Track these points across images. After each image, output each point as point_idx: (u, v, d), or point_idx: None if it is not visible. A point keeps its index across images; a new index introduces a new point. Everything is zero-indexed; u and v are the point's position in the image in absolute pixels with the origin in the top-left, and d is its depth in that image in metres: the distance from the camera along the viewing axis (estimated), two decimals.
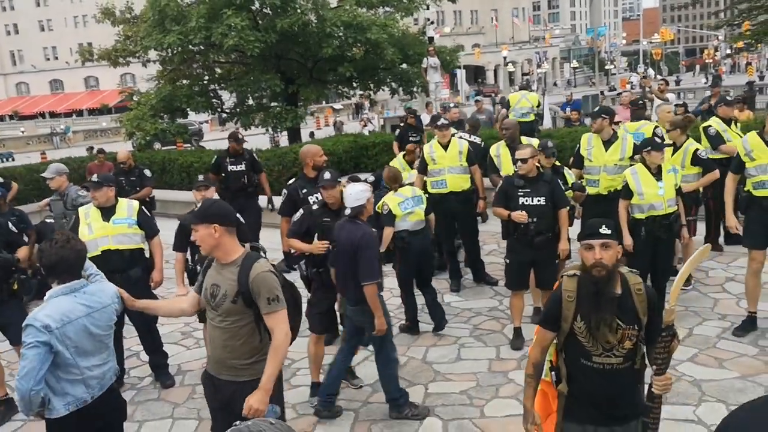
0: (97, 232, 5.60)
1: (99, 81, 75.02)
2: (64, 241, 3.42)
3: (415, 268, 6.78)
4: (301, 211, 5.63)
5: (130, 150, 14.16)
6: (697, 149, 7.26)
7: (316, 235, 5.37)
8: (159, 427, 5.38)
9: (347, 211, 5.03)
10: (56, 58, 79.45)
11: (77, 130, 49.88)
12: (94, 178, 5.93)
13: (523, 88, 13.28)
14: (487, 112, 17.86)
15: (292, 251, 6.14)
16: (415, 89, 19.05)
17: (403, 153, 9.57)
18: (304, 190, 6.63)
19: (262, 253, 3.75)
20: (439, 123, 7.94)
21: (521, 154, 5.99)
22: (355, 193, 5.03)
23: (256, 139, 26.84)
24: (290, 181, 7.28)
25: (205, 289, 3.65)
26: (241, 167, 9.38)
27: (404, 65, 18.34)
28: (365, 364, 6.15)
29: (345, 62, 16.38)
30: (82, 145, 39.89)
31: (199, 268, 5.85)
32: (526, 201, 5.95)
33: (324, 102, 37.69)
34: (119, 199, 5.92)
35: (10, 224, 5.61)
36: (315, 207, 5.51)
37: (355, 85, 18.89)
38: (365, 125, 35.55)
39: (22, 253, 5.53)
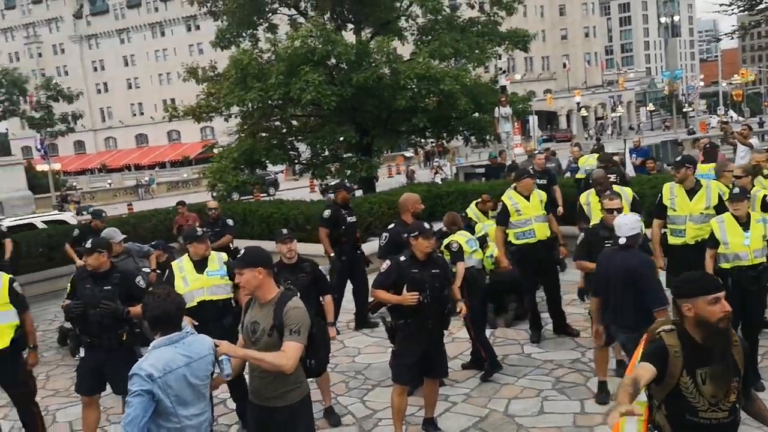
0: (193, 284, 5.88)
1: (181, 134, 78.46)
2: (165, 295, 3.66)
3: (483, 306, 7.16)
4: (387, 262, 5.73)
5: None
6: (765, 195, 7.09)
7: (405, 286, 5.44)
8: None
9: (621, 240, 5.31)
10: (142, 113, 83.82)
11: (161, 182, 52.10)
12: (198, 231, 6.26)
13: (594, 150, 13.88)
14: (555, 160, 17.84)
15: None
16: (487, 137, 19.14)
17: (476, 201, 9.66)
18: (405, 235, 6.81)
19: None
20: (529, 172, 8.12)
21: (612, 204, 5.93)
22: (630, 222, 5.36)
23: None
24: (389, 226, 7.51)
25: (246, 326, 4.09)
26: (354, 218, 9.10)
27: (476, 114, 18.49)
28: (447, 415, 6.16)
29: (418, 113, 16.65)
30: (166, 196, 41.64)
31: None
32: None
33: (389, 151, 38.15)
34: (211, 252, 6.21)
35: (139, 279, 5.93)
36: (402, 259, 5.58)
37: (428, 134, 19.14)
38: (436, 173, 35.83)
39: (135, 310, 5.57)
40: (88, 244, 5.90)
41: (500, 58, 19.77)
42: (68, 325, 9.35)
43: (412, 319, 5.47)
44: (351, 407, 6.59)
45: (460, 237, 7.11)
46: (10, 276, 5.88)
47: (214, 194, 19.11)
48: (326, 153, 18.96)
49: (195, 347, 3.67)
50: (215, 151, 20.01)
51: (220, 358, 3.75)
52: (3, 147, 44.55)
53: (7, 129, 62.86)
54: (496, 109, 18.66)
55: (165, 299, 3.63)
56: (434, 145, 33.19)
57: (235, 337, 5.66)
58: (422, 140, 20.27)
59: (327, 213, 8.88)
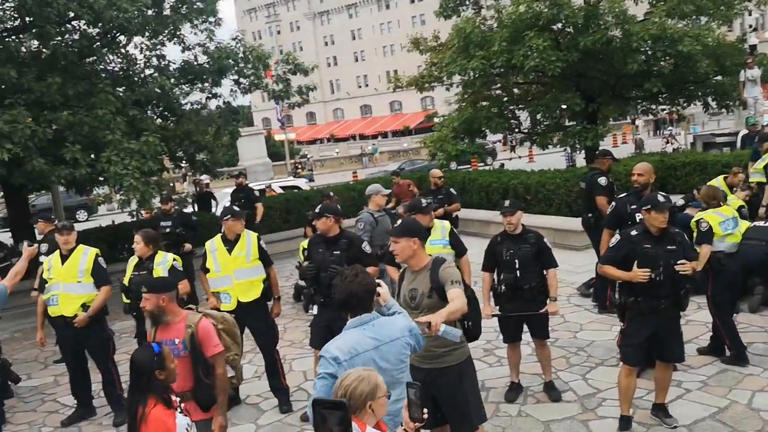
0: None
1: (402, 105, 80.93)
2: (352, 276, 3.53)
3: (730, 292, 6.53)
4: (617, 236, 5.42)
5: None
6: None
7: (636, 262, 5.11)
8: None
9: None
10: (366, 85, 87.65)
11: (383, 151, 54.24)
12: (423, 202, 6.42)
13: None
14: None
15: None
16: (731, 103, 17.27)
17: (724, 176, 8.84)
18: (633, 206, 6.48)
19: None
20: None
21: None
22: None
23: (550, 158, 26.69)
24: (621, 195, 7.15)
25: (404, 295, 4.33)
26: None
27: (719, 77, 16.73)
28: (679, 403, 5.72)
29: (652, 77, 15.44)
30: (388, 165, 43.33)
31: (503, 287, 6.01)
32: None
33: (617, 119, 36.00)
34: (435, 220, 6.31)
35: (365, 244, 6.29)
36: (634, 233, 5.23)
37: (661, 100, 17.73)
38: (668, 142, 33.29)
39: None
40: (317, 209, 6.32)
41: (750, 14, 17.61)
42: (302, 282, 10.18)
43: (642, 297, 5.14)
44: (572, 384, 6.39)
45: (714, 217, 6.46)
46: (258, 234, 6.49)
47: (436, 163, 19.50)
48: (548, 121, 18.41)
49: (385, 330, 3.51)
50: (435, 120, 20.33)
51: (440, 332, 3.70)
52: (247, 118, 49.03)
53: (250, 102, 69.16)
54: (742, 71, 16.71)
55: (353, 280, 3.51)
56: (666, 112, 30.85)
57: None
58: (654, 107, 18.83)
59: (603, 181, 8.40)
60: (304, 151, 59.77)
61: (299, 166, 40.37)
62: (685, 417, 5.45)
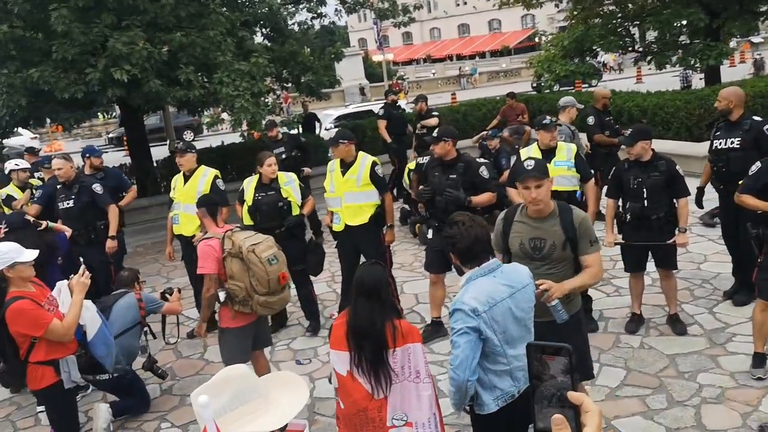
0: None
1: (501, 24, 78.06)
2: (470, 221, 3.24)
3: None
4: (758, 164, 5.03)
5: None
6: None
7: None
8: None
9: None
10: (465, 3, 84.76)
11: (481, 72, 52.76)
12: (546, 119, 6.18)
13: None
14: None
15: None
16: None
17: None
18: (717, 133, 6.20)
19: None
20: None
21: None
22: None
23: (660, 78, 25.18)
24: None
25: (521, 243, 3.89)
26: None
27: None
28: None
29: None
30: (486, 86, 42.28)
31: (629, 217, 5.73)
32: None
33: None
34: (560, 142, 6.06)
35: (482, 169, 6.05)
36: None
37: None
38: None
39: (478, 199, 5.96)
40: (435, 133, 6.16)
41: None
42: (407, 207, 10.18)
43: None
44: (698, 317, 6.13)
45: None
46: (374, 159, 6.40)
47: (540, 84, 18.78)
48: (665, 39, 17.22)
49: (515, 275, 3.26)
50: (543, 39, 19.43)
51: (552, 304, 3.54)
52: (344, 39, 48.66)
53: (346, 22, 68.72)
54: None
55: (472, 225, 3.21)
56: None
57: None
58: None
59: None
60: (401, 72, 58.99)
61: (398, 88, 39.93)
62: None
